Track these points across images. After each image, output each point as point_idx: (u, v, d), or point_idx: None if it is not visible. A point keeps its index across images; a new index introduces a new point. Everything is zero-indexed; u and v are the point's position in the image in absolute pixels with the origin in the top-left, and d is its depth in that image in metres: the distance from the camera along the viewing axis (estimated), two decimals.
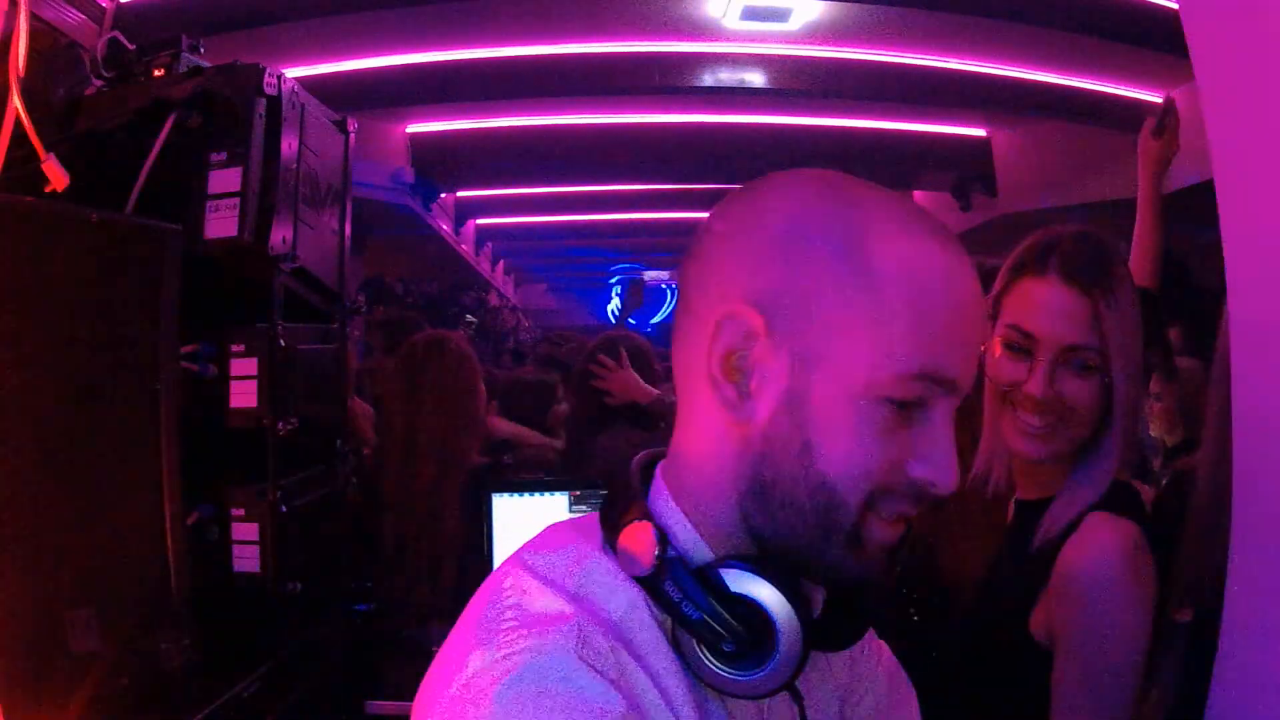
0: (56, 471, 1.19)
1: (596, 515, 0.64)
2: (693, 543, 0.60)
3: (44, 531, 1.15)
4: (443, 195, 7.69)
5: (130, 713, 1.22)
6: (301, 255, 1.64)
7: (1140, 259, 1.78)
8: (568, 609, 0.56)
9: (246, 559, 1.53)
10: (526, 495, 2.02)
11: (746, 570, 0.57)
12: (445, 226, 8.10)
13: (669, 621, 0.58)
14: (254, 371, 1.55)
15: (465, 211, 8.76)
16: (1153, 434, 2.20)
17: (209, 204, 1.52)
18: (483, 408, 2.31)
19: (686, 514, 0.61)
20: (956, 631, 1.19)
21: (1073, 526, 1.03)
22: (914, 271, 0.56)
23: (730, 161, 7.12)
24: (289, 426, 1.57)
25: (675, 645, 0.58)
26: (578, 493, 2.01)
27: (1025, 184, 6.90)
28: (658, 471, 0.64)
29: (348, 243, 1.91)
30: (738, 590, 0.57)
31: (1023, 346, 1.07)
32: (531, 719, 0.50)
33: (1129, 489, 1.06)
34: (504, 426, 2.79)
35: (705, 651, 0.57)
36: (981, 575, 1.23)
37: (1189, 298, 2.21)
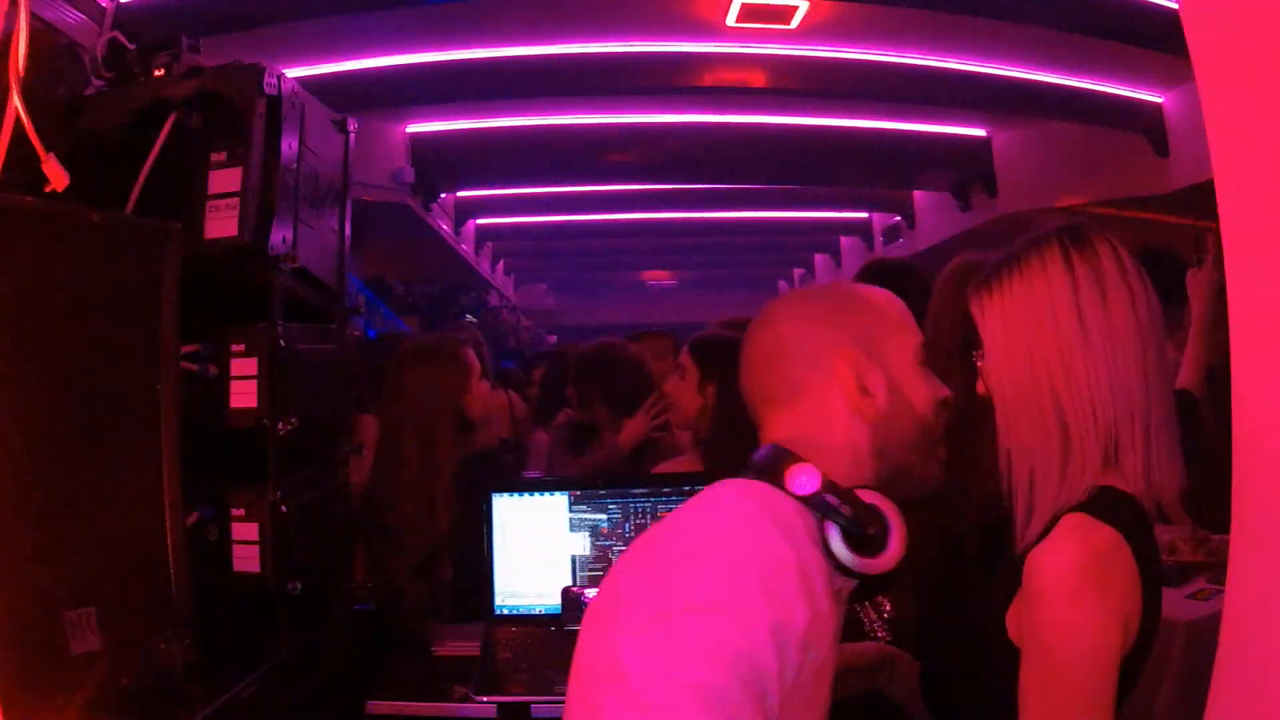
0: (56, 471, 1.19)
1: (734, 482, 0.93)
2: (835, 477, 0.91)
3: (44, 532, 1.16)
4: (443, 195, 7.69)
5: (130, 713, 1.22)
6: (301, 255, 1.64)
7: (1188, 369, 2.15)
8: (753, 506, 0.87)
9: (246, 559, 1.53)
10: (526, 495, 2.02)
11: (870, 490, 0.91)
12: (445, 226, 8.11)
13: (818, 524, 0.89)
14: (254, 371, 1.55)
15: (465, 211, 8.77)
16: None
17: (209, 204, 1.52)
18: (472, 402, 2.30)
19: (821, 469, 0.91)
20: (939, 628, 1.21)
21: (1048, 530, 1.01)
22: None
23: (730, 161, 7.13)
24: (289, 426, 1.57)
25: (822, 541, 0.88)
26: (578, 493, 2.01)
27: (1025, 184, 6.90)
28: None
29: (348, 243, 1.91)
30: (869, 501, 0.90)
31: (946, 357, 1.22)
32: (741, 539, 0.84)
33: (1118, 495, 1.02)
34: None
35: (843, 542, 0.88)
36: (966, 573, 1.25)
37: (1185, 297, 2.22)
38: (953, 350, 1.27)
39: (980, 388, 1.15)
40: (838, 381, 0.96)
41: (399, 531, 2.15)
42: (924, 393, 0.99)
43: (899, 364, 0.98)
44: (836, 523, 0.88)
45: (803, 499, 0.89)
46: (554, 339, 9.98)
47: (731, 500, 0.89)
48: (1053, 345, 1.04)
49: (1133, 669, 1.00)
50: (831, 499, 0.88)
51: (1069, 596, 0.96)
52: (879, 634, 1.51)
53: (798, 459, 0.91)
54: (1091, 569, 0.96)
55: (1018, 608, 1.02)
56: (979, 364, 1.13)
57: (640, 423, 2.60)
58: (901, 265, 2.37)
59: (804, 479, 0.89)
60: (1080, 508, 1.00)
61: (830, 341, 0.97)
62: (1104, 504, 1.01)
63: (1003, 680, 1.01)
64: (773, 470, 0.91)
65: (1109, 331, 1.04)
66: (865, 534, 0.88)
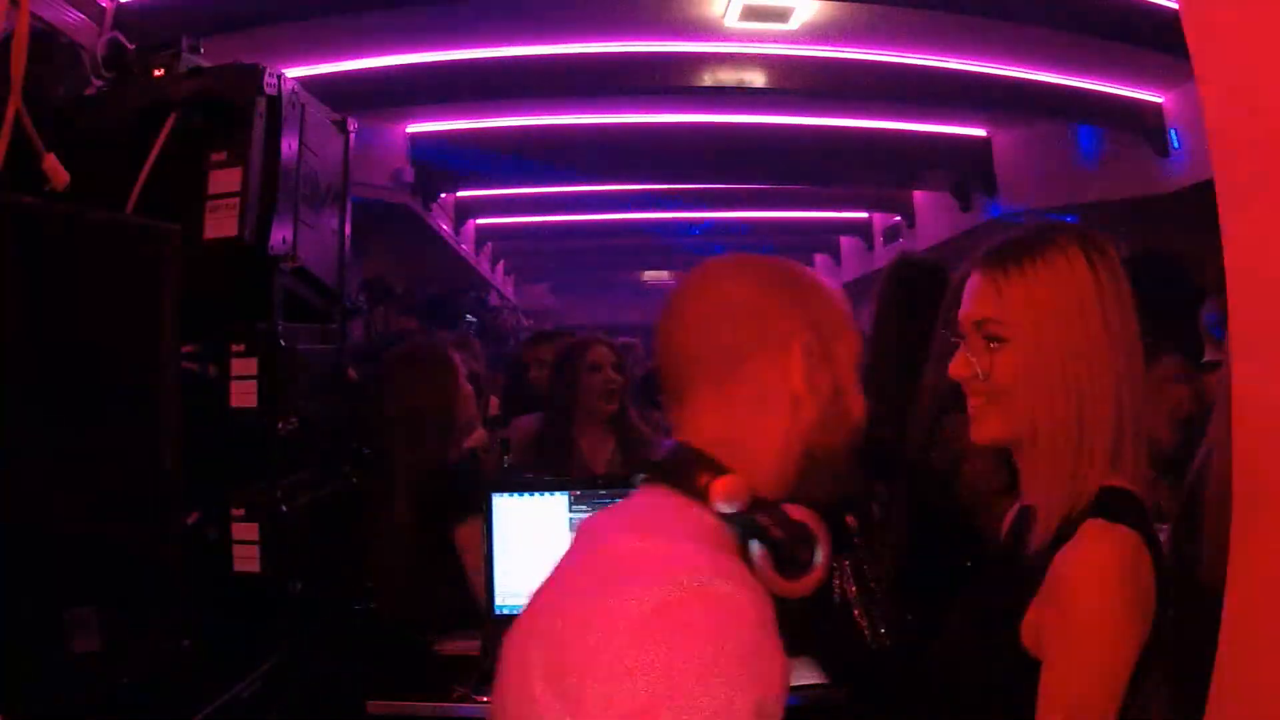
0: (56, 471, 1.19)
1: (653, 492, 0.86)
2: (758, 484, 0.84)
3: (44, 531, 1.16)
4: (443, 195, 7.69)
5: (130, 713, 1.22)
6: (301, 255, 1.64)
7: None
8: (688, 546, 0.78)
9: (246, 559, 1.53)
10: (526, 495, 2.02)
11: (796, 504, 0.85)
12: (445, 226, 8.10)
13: (739, 540, 0.82)
14: (254, 371, 1.55)
15: (465, 211, 8.76)
16: None
17: (209, 204, 1.52)
18: (459, 408, 2.29)
19: (746, 475, 0.84)
20: (947, 637, 1.18)
21: (1066, 533, 1.01)
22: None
23: (730, 161, 7.13)
24: (289, 426, 1.57)
25: (745, 560, 0.81)
26: (578, 493, 2.01)
27: (1025, 184, 6.90)
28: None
29: (348, 243, 1.91)
30: (797, 519, 0.83)
31: (955, 339, 1.14)
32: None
33: (1126, 495, 1.03)
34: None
35: (771, 563, 0.82)
36: (972, 579, 1.23)
37: (1185, 298, 2.21)
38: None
39: (964, 369, 1.10)
40: (785, 364, 0.86)
41: (394, 532, 2.15)
42: (860, 402, 0.92)
43: (845, 366, 0.90)
44: (765, 545, 0.82)
45: (727, 517, 0.81)
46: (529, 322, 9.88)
47: (680, 559, 0.76)
48: (1081, 342, 1.05)
49: (1144, 666, 0.99)
50: (762, 519, 0.82)
51: (1104, 600, 0.96)
52: (881, 632, 1.51)
53: (721, 470, 0.82)
54: (1122, 573, 0.97)
55: (1037, 612, 1.01)
56: (992, 348, 1.09)
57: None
58: (936, 266, 2.29)
59: (729, 496, 0.81)
60: (1098, 512, 1.00)
61: (788, 317, 0.87)
62: (1117, 506, 1.01)
63: (1012, 683, 1.01)
64: (689, 480, 0.83)
65: (1124, 333, 1.06)
66: (794, 558, 0.82)
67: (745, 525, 0.82)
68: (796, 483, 0.88)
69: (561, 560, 0.91)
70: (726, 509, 0.81)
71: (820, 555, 0.83)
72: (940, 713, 1.15)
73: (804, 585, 0.82)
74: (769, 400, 0.87)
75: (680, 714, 0.66)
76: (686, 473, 0.84)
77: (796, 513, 0.84)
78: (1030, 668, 1.00)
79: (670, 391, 0.91)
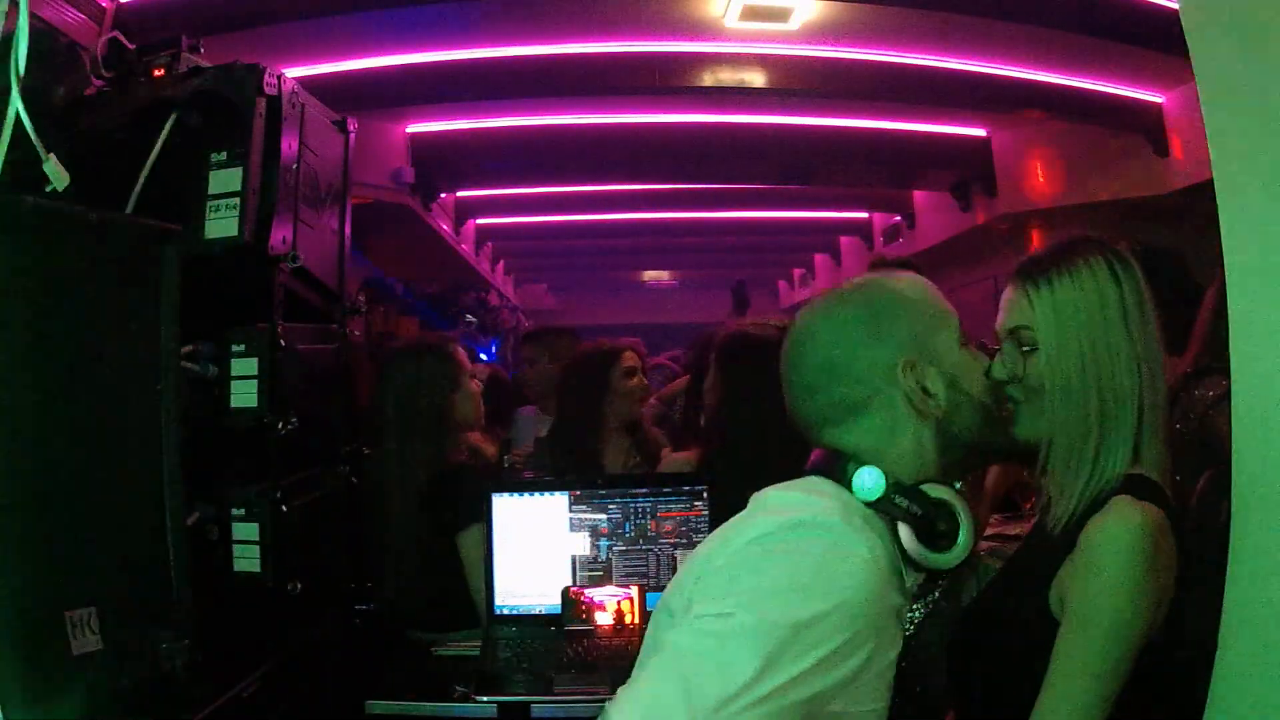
0: (57, 471, 1.19)
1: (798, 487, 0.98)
2: (901, 476, 0.96)
3: (44, 531, 1.16)
4: (443, 195, 7.69)
5: (130, 713, 1.22)
6: (301, 255, 1.64)
7: None
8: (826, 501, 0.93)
9: (246, 559, 1.53)
10: (526, 495, 2.02)
11: (936, 483, 0.95)
12: (445, 226, 8.10)
13: (889, 526, 0.93)
14: (254, 371, 1.55)
15: (465, 211, 8.75)
16: None
17: (209, 204, 1.52)
18: (461, 400, 2.27)
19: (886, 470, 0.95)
20: (981, 603, 1.27)
21: (1095, 508, 1.09)
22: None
23: (730, 161, 7.12)
24: (289, 426, 1.57)
25: (894, 539, 0.92)
26: (578, 493, 2.01)
27: (1025, 184, 6.90)
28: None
29: (348, 243, 1.91)
30: (936, 496, 0.94)
31: (994, 348, 1.25)
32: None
33: (1149, 481, 1.11)
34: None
35: (915, 540, 0.91)
36: (1005, 567, 1.30)
37: (1184, 296, 2.21)
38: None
39: (1002, 373, 1.19)
40: (899, 393, 0.98)
41: (388, 530, 2.14)
42: (977, 375, 1.03)
43: (949, 355, 1.00)
44: (908, 523, 0.92)
45: (871, 504, 0.92)
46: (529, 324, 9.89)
47: (835, 541, 0.88)
48: (1102, 345, 1.15)
49: (1167, 650, 1.05)
50: (900, 500, 0.92)
51: (1124, 566, 1.03)
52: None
53: (860, 462, 0.94)
54: (1146, 543, 1.04)
55: (1062, 579, 1.09)
56: (1022, 351, 1.20)
57: None
58: (903, 265, 2.36)
59: (869, 483, 0.92)
60: (1127, 491, 1.09)
61: (882, 356, 0.98)
62: (1143, 489, 1.09)
63: (1036, 643, 1.06)
64: (836, 473, 0.95)
65: (1144, 339, 1.16)
66: (936, 530, 0.92)
67: (888, 508, 0.92)
68: (941, 463, 0.99)
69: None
70: (869, 496, 0.92)
71: (965, 526, 0.92)
72: (970, 671, 1.19)
73: (953, 556, 0.92)
74: (895, 422, 0.98)
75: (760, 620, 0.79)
76: (836, 465, 0.96)
77: (937, 492, 0.93)
78: (1054, 629, 1.06)
79: (811, 430, 1.02)
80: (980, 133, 7.01)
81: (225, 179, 1.52)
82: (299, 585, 1.58)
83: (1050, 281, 1.18)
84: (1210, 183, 1.05)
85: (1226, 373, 1.11)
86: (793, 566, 0.84)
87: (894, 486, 0.92)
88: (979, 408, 1.01)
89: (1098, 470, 1.12)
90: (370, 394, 2.23)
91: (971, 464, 1.04)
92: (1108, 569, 1.04)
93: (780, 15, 4.87)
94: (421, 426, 2.16)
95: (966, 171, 7.22)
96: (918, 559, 0.92)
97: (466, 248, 9.24)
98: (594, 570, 1.96)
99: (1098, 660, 1.02)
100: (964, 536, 0.93)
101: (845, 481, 0.94)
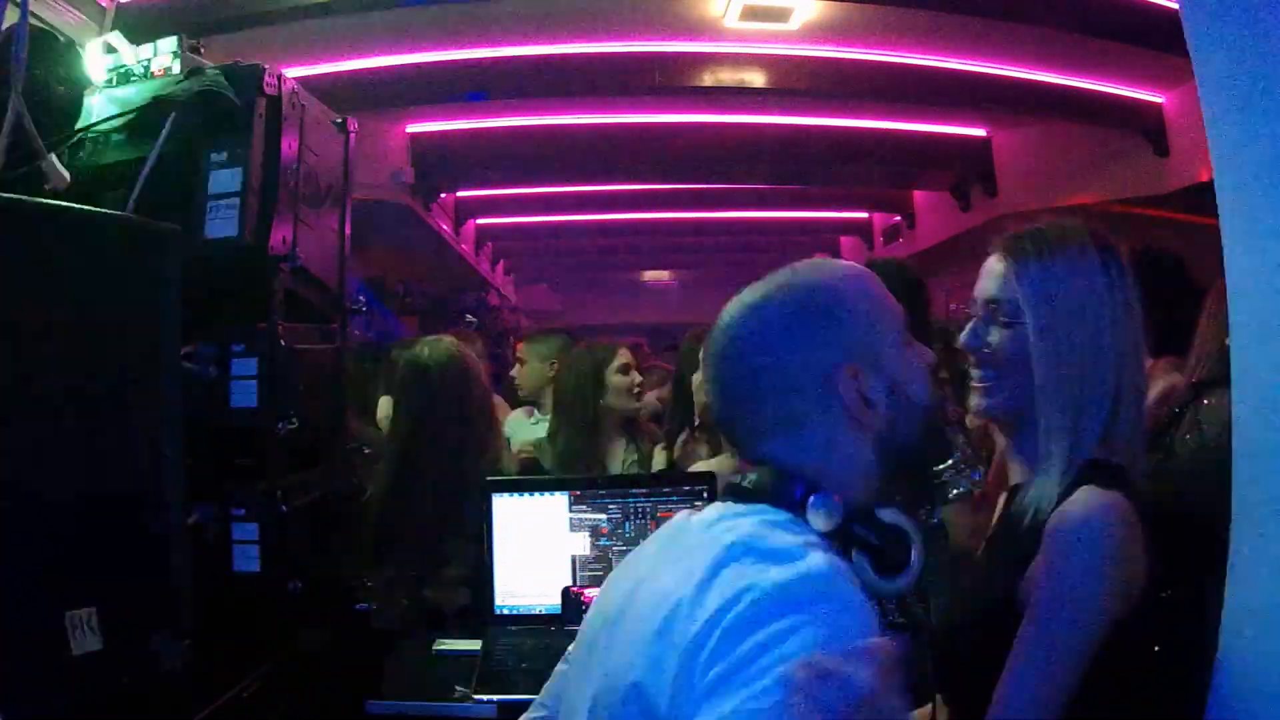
0: (56, 471, 1.19)
1: (738, 513, 0.88)
2: (849, 496, 0.88)
3: (44, 531, 1.15)
4: (443, 195, 7.69)
5: (130, 713, 1.22)
6: (301, 255, 1.64)
7: None
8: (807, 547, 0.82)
9: (246, 559, 1.53)
10: (526, 495, 2.02)
11: (886, 506, 0.88)
12: (445, 226, 8.10)
13: (842, 549, 0.85)
14: (254, 371, 1.54)
15: (465, 211, 8.76)
16: None
17: (209, 204, 1.51)
18: (490, 414, 2.30)
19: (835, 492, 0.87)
20: (956, 602, 1.25)
21: (1061, 498, 1.08)
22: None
23: (730, 161, 7.12)
24: (289, 426, 1.57)
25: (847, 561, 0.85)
26: (578, 493, 2.01)
27: (1025, 184, 6.90)
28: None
29: (348, 243, 1.91)
30: (890, 522, 0.87)
31: (970, 313, 1.23)
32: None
33: (1114, 467, 1.10)
34: None
35: (871, 569, 0.86)
36: (981, 553, 1.30)
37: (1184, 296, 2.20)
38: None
39: (974, 339, 1.19)
40: (837, 404, 0.89)
41: (415, 533, 2.15)
42: (920, 378, 0.94)
43: (893, 360, 0.92)
44: (864, 553, 0.87)
45: (828, 534, 0.85)
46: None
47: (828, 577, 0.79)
48: (1084, 330, 1.13)
49: (1137, 636, 1.04)
50: (859, 530, 0.86)
51: (1085, 556, 1.02)
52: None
53: (813, 486, 0.86)
54: (1111, 532, 1.03)
55: (1030, 573, 1.07)
56: (1002, 325, 1.18)
57: None
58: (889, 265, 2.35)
59: (826, 512, 0.85)
60: (1091, 480, 1.07)
61: (822, 365, 0.89)
62: (1107, 476, 1.08)
63: (1005, 638, 1.05)
64: (789, 499, 0.87)
65: (1127, 326, 1.14)
66: (892, 560, 0.87)
67: (845, 538, 0.86)
68: (884, 478, 0.92)
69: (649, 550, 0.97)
70: (826, 527, 0.85)
71: (916, 550, 0.88)
72: (946, 667, 1.18)
73: (905, 581, 0.87)
74: (836, 435, 0.90)
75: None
76: (783, 490, 0.87)
77: (888, 515, 0.87)
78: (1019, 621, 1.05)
79: (738, 442, 0.95)
80: (980, 133, 7.01)
81: (225, 179, 1.52)
82: (299, 585, 1.58)
83: (1040, 258, 1.16)
84: (1210, 183, 1.06)
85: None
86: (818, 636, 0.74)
87: (850, 513, 0.86)
88: (922, 413, 0.93)
89: (1071, 459, 1.10)
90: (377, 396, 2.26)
91: (910, 474, 0.98)
92: (1070, 557, 1.03)
93: (780, 15, 4.87)
94: (470, 429, 2.19)
95: (966, 171, 7.23)
96: (874, 588, 0.86)
97: (466, 248, 9.24)
98: (594, 570, 1.96)
99: (1058, 649, 1.01)
100: (915, 560, 0.88)
101: (796, 508, 0.86)
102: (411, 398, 2.29)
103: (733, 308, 0.94)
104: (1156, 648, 1.08)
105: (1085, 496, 1.06)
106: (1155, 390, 2.03)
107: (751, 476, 0.90)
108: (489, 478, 2.14)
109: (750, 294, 0.94)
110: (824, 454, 0.90)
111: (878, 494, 0.92)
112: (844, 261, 1.07)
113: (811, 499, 0.85)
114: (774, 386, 0.90)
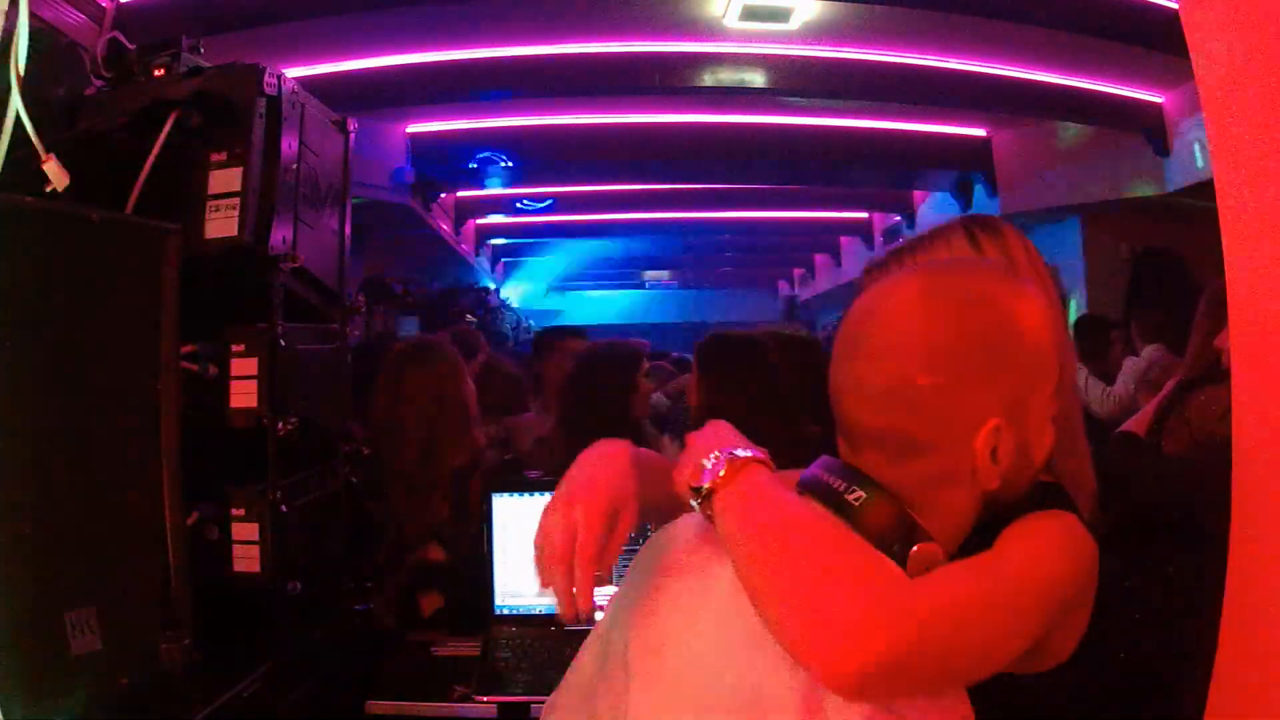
0: (57, 471, 1.19)
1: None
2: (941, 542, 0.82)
3: (44, 532, 1.16)
4: (443, 195, 7.69)
5: (130, 713, 1.22)
6: (301, 255, 1.64)
7: None
8: None
9: (246, 559, 1.53)
10: (526, 495, 2.02)
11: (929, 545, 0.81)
12: (445, 226, 8.11)
13: None
14: (254, 371, 1.55)
15: (465, 211, 8.77)
16: None
17: (209, 204, 1.51)
18: (467, 410, 2.30)
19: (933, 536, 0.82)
20: None
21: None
22: None
23: (730, 161, 7.13)
24: (289, 426, 1.57)
25: None
26: None
27: (1025, 184, 6.91)
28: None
29: (348, 243, 1.91)
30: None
31: None
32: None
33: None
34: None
35: None
36: None
37: (1184, 296, 2.21)
38: None
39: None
40: (969, 452, 0.81)
41: (387, 523, 2.15)
42: (1047, 443, 0.85)
43: (1037, 421, 0.83)
44: None
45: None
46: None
47: None
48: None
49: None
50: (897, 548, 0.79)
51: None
52: None
53: (925, 537, 0.79)
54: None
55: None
56: None
57: None
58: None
59: (927, 568, 0.78)
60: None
61: (976, 407, 0.80)
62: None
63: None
64: (888, 542, 0.79)
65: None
66: None
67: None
68: (973, 530, 0.85)
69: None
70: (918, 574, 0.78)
71: None
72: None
73: None
74: (951, 477, 0.82)
75: None
76: (888, 538, 0.79)
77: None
78: None
79: (847, 429, 0.86)
80: (980, 133, 7.02)
81: (225, 179, 1.52)
82: (299, 585, 1.58)
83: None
84: (1210, 183, 1.05)
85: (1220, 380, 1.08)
86: None
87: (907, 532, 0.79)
88: (1033, 474, 0.85)
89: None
90: (377, 395, 2.25)
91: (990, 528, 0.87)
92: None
93: (780, 15, 4.88)
94: (420, 429, 2.19)
95: (966, 171, 7.23)
96: None
97: (466, 248, 9.25)
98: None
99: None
100: None
101: (895, 553, 0.78)
102: (388, 390, 2.29)
103: (898, 309, 0.83)
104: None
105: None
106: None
107: (862, 495, 0.81)
108: (488, 479, 2.14)
109: (921, 299, 0.82)
110: (930, 492, 0.82)
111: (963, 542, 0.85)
112: (1040, 282, 0.97)
113: (915, 552, 0.78)
114: (918, 407, 0.81)
